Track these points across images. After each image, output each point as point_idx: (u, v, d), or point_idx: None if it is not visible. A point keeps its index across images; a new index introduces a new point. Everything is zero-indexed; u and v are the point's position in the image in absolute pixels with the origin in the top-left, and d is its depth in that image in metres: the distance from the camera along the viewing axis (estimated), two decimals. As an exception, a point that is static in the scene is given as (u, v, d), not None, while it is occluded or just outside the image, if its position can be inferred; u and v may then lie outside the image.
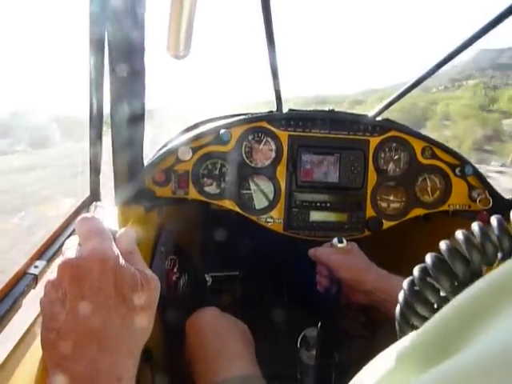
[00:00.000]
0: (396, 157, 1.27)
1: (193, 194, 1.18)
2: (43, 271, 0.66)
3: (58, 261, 0.44)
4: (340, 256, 0.98)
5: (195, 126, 1.45)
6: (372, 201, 1.26)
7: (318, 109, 1.31)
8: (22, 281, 0.62)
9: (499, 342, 0.17)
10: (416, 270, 0.35)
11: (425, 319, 0.33)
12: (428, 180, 1.28)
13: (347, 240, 1.01)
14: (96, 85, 0.89)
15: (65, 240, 0.78)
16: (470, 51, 0.97)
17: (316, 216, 1.25)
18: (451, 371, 0.18)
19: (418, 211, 1.28)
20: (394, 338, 0.37)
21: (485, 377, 0.17)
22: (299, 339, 0.88)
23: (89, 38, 0.82)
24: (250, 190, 1.23)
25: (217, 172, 1.21)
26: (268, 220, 1.23)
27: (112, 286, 0.42)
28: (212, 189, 1.21)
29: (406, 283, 0.36)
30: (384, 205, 1.28)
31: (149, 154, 1.21)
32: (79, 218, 0.47)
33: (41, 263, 0.67)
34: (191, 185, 1.18)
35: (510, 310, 0.19)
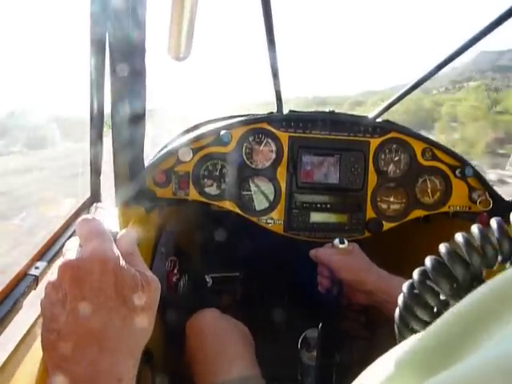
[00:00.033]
0: (396, 158, 1.27)
1: (193, 194, 1.19)
2: (44, 272, 0.66)
3: (59, 262, 0.44)
4: (341, 257, 0.98)
5: (195, 127, 1.45)
6: (372, 202, 1.26)
7: (318, 110, 1.32)
8: (23, 282, 0.62)
9: (502, 349, 0.17)
10: (415, 274, 0.35)
11: (424, 323, 0.33)
12: (428, 181, 1.28)
13: (348, 241, 1.01)
14: (97, 85, 0.89)
15: (65, 241, 0.78)
16: (470, 53, 0.97)
17: (316, 217, 1.25)
18: (454, 379, 0.18)
19: (418, 213, 1.28)
20: (394, 339, 0.37)
21: None
22: (300, 340, 0.88)
23: (90, 38, 0.82)
24: (250, 191, 1.23)
25: (217, 173, 1.21)
26: (268, 221, 1.23)
27: (112, 287, 0.42)
28: (212, 190, 1.21)
29: (405, 286, 0.36)
30: (384, 206, 1.28)
31: (149, 154, 1.22)
32: (80, 219, 0.47)
33: (41, 264, 0.67)
34: (192, 186, 1.18)
35: None
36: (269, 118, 1.23)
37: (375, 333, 1.08)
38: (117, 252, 0.44)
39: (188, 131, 1.43)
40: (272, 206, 1.23)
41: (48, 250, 0.73)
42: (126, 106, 0.88)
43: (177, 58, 0.54)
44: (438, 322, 0.24)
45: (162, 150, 1.30)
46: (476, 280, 0.32)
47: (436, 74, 1.09)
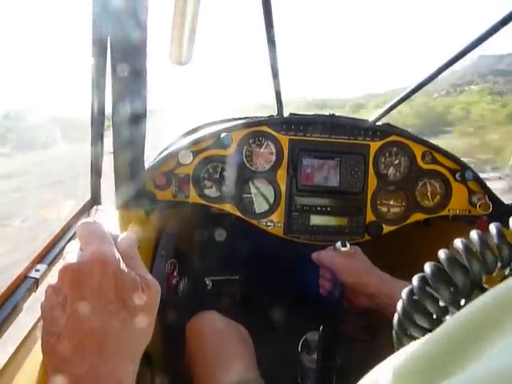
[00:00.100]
0: (396, 161, 1.28)
1: (193, 197, 1.19)
2: (44, 275, 0.66)
3: (59, 265, 0.44)
4: (343, 259, 0.98)
5: (196, 129, 1.45)
6: (372, 205, 1.26)
7: (318, 113, 1.32)
8: (23, 284, 0.62)
9: (504, 358, 0.17)
10: (415, 280, 0.35)
11: (423, 329, 0.33)
12: (428, 185, 1.29)
13: (350, 244, 1.01)
14: (98, 86, 0.89)
15: (66, 244, 0.78)
16: (469, 57, 0.98)
17: (316, 220, 1.25)
18: None
19: (418, 216, 1.28)
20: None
21: None
22: (300, 343, 0.88)
23: (91, 38, 0.82)
24: (250, 193, 1.23)
25: (217, 175, 1.21)
26: (268, 224, 1.23)
27: (113, 290, 0.42)
28: (212, 192, 1.21)
29: (404, 293, 0.36)
30: (384, 209, 1.28)
31: (149, 157, 1.22)
32: (80, 222, 0.47)
33: (42, 267, 0.67)
34: (192, 188, 1.19)
35: None
36: (269, 121, 1.23)
37: (376, 336, 1.08)
38: (117, 255, 0.44)
39: (188, 133, 1.43)
40: (272, 209, 1.23)
41: (48, 253, 0.73)
42: (127, 106, 0.88)
43: (178, 63, 0.54)
44: (439, 329, 0.24)
45: (162, 152, 1.30)
46: (476, 286, 0.31)
47: (436, 78, 1.10)
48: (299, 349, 0.87)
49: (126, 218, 0.99)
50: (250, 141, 1.22)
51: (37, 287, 0.64)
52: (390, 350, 0.35)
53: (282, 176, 1.24)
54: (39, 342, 0.43)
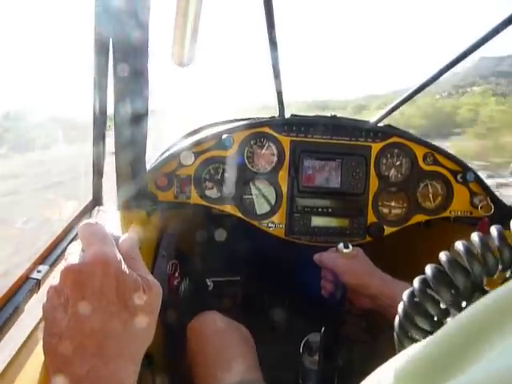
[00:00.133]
0: (398, 163, 1.28)
1: (195, 198, 1.19)
2: (46, 276, 0.66)
3: (61, 266, 0.44)
4: (345, 261, 0.98)
5: (197, 130, 1.45)
6: (373, 207, 1.26)
7: (320, 114, 1.32)
8: (25, 285, 0.62)
9: (504, 361, 0.17)
10: (416, 282, 0.35)
11: (424, 331, 0.33)
12: (430, 186, 1.28)
13: (352, 245, 1.01)
14: (100, 86, 0.89)
15: (67, 245, 0.78)
16: (470, 59, 0.98)
17: (317, 221, 1.25)
18: None
19: (419, 217, 1.28)
20: None
21: None
22: (302, 344, 0.88)
23: (94, 38, 0.82)
24: (251, 194, 1.23)
25: (219, 177, 1.21)
26: (269, 225, 1.23)
27: (114, 291, 0.42)
28: (214, 193, 1.21)
29: (405, 295, 0.36)
30: (385, 211, 1.28)
31: (151, 157, 1.22)
32: (82, 223, 0.47)
33: (43, 268, 0.67)
34: (193, 189, 1.19)
35: None
36: (271, 122, 1.23)
37: (378, 337, 1.08)
38: (119, 256, 0.44)
39: (190, 135, 1.43)
40: (273, 210, 1.23)
41: (50, 254, 0.73)
42: (129, 106, 0.88)
43: (180, 64, 0.55)
44: (440, 332, 0.24)
45: (163, 153, 1.30)
46: (477, 288, 0.31)
47: (438, 79, 1.10)
48: (301, 350, 0.87)
49: (128, 219, 0.99)
50: (252, 142, 1.23)
51: (38, 288, 0.64)
52: (392, 351, 0.35)
53: (283, 177, 1.24)
54: (41, 343, 0.43)
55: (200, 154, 1.18)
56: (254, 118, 1.32)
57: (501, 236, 0.32)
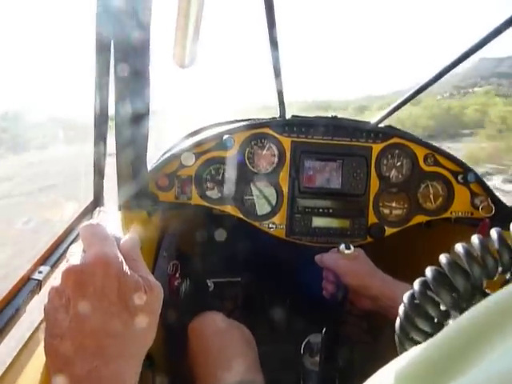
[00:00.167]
0: (398, 163, 1.28)
1: (195, 199, 1.19)
2: (47, 277, 0.66)
3: (62, 266, 0.44)
4: (347, 262, 0.98)
5: (198, 131, 1.45)
6: (374, 207, 1.26)
7: (320, 115, 1.32)
8: (26, 286, 0.62)
9: (505, 363, 0.17)
10: (416, 284, 0.35)
11: (425, 333, 0.33)
12: (430, 187, 1.28)
13: (354, 246, 1.01)
14: (101, 86, 0.89)
15: (68, 245, 0.78)
16: (470, 59, 0.98)
17: (318, 222, 1.25)
18: None
19: (420, 218, 1.28)
20: None
21: None
22: (303, 345, 0.88)
23: (95, 38, 0.82)
24: (252, 195, 1.23)
25: (220, 177, 1.21)
26: (270, 226, 1.23)
27: (115, 292, 0.42)
28: (214, 194, 1.21)
29: (406, 297, 0.36)
30: (386, 211, 1.28)
31: (152, 158, 1.22)
32: (83, 224, 0.47)
33: (45, 268, 0.67)
34: (194, 190, 1.19)
35: None
36: (271, 123, 1.24)
37: (379, 339, 1.08)
38: (120, 257, 0.44)
39: (191, 135, 1.43)
40: (274, 211, 1.23)
41: (51, 255, 0.73)
42: (130, 106, 0.88)
43: (182, 66, 0.55)
44: (440, 334, 0.24)
45: (164, 153, 1.31)
46: (477, 291, 0.32)
47: (439, 80, 1.10)
48: (302, 351, 0.87)
49: (129, 219, 0.99)
50: (253, 143, 1.23)
51: (40, 289, 0.64)
52: (393, 352, 0.35)
53: (284, 178, 1.24)
54: (42, 343, 0.43)
55: (201, 154, 1.19)
56: (254, 119, 1.32)
57: (500, 238, 0.32)
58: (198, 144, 1.19)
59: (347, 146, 1.25)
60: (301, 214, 1.24)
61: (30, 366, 0.48)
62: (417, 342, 0.33)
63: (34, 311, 0.58)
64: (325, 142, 1.24)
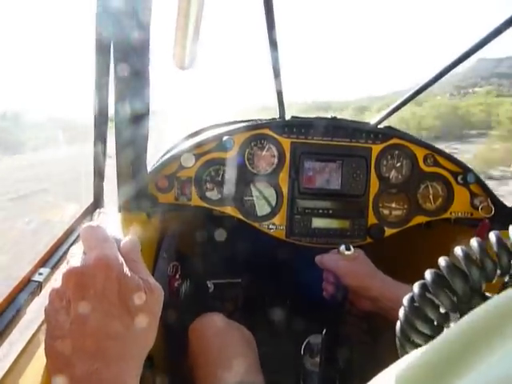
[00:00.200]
0: (398, 164, 1.28)
1: (195, 200, 1.19)
2: (47, 278, 0.66)
3: (62, 268, 0.44)
4: (347, 263, 0.98)
5: (198, 132, 1.46)
6: (374, 208, 1.26)
7: (320, 116, 1.32)
8: (27, 288, 0.62)
9: (504, 367, 0.17)
10: (416, 287, 0.35)
11: (425, 336, 0.33)
12: (430, 187, 1.28)
13: (354, 247, 1.01)
14: (101, 86, 0.89)
15: (69, 247, 0.79)
16: (469, 60, 0.99)
17: (318, 223, 1.25)
18: None
19: (419, 219, 1.28)
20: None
21: None
22: (303, 346, 0.88)
23: (94, 39, 0.82)
24: (252, 196, 1.23)
25: (219, 178, 1.21)
26: (270, 227, 1.23)
27: (116, 294, 0.42)
28: (214, 195, 1.21)
29: (405, 300, 0.36)
30: (386, 212, 1.28)
31: (152, 159, 1.22)
32: (84, 226, 0.47)
33: (45, 270, 0.67)
34: (194, 191, 1.19)
35: None
36: (271, 124, 1.24)
37: (379, 340, 1.08)
38: (120, 259, 0.44)
39: (190, 136, 1.44)
40: (274, 212, 1.23)
41: (51, 256, 0.73)
42: (130, 106, 0.88)
43: (182, 67, 0.55)
44: (440, 337, 0.24)
45: (164, 155, 1.31)
46: (476, 293, 0.32)
47: (439, 80, 1.10)
48: (302, 352, 0.88)
49: (128, 221, 0.99)
50: (252, 144, 1.23)
51: (40, 291, 0.64)
52: (393, 353, 0.35)
53: (283, 179, 1.24)
54: (43, 345, 0.43)
55: (201, 155, 1.19)
56: (254, 120, 1.32)
57: (499, 241, 0.32)
58: (198, 145, 1.19)
59: (347, 146, 1.25)
60: (301, 214, 1.24)
61: (31, 368, 0.48)
62: (417, 345, 0.33)
63: (35, 313, 0.58)
64: (324, 143, 1.24)
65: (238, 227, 1.25)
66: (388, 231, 1.26)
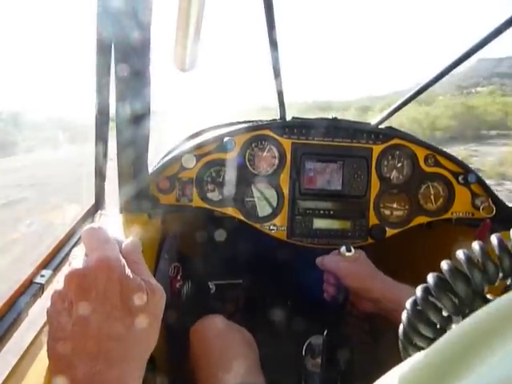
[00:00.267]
0: (399, 164, 1.28)
1: (196, 201, 1.19)
2: (49, 280, 0.66)
3: (64, 270, 0.44)
4: (348, 264, 0.98)
5: (199, 133, 1.45)
6: (375, 208, 1.26)
7: (321, 116, 1.32)
8: (29, 290, 0.62)
9: (505, 368, 0.18)
10: (418, 290, 0.36)
11: (427, 339, 0.33)
12: (431, 188, 1.28)
13: (354, 248, 1.01)
14: (102, 87, 0.89)
15: (70, 249, 0.79)
16: (469, 60, 0.99)
17: (319, 223, 1.25)
18: None
19: (421, 219, 1.28)
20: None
21: None
22: (304, 347, 0.88)
23: (95, 39, 0.82)
24: (253, 197, 1.23)
25: (220, 179, 1.21)
26: (271, 228, 1.23)
27: (118, 295, 0.42)
28: (215, 196, 1.21)
29: (408, 303, 0.36)
30: (387, 212, 1.28)
31: (153, 161, 1.22)
32: (85, 228, 0.47)
33: (47, 272, 0.67)
34: (195, 192, 1.19)
35: None
36: (272, 125, 1.24)
37: (380, 341, 1.08)
38: (122, 261, 0.44)
39: (191, 137, 1.44)
40: (275, 213, 1.23)
41: (53, 258, 0.73)
42: (131, 106, 0.88)
43: (182, 69, 0.55)
44: (443, 339, 0.24)
45: (165, 156, 1.31)
46: (478, 296, 0.32)
47: (440, 80, 1.10)
48: (303, 353, 0.87)
49: (130, 222, 0.99)
50: (253, 144, 1.23)
51: (42, 292, 0.64)
52: (394, 354, 0.35)
53: (284, 180, 1.24)
54: (45, 347, 0.43)
55: (202, 156, 1.19)
56: (255, 121, 1.32)
57: (501, 244, 0.32)
58: (199, 146, 1.19)
59: (348, 147, 1.25)
60: (302, 215, 1.24)
61: (33, 369, 0.48)
62: (420, 348, 0.33)
63: (37, 315, 0.58)
64: (325, 144, 1.24)
65: (239, 228, 1.25)
66: (389, 232, 1.26)
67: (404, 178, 1.28)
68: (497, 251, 0.32)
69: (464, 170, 1.26)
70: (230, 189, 1.20)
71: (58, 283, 0.44)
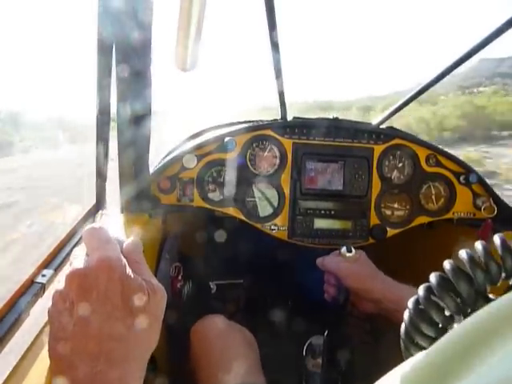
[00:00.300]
0: (400, 164, 1.27)
1: (197, 201, 1.19)
2: (50, 280, 0.66)
3: (65, 269, 0.44)
4: (348, 264, 0.98)
5: (200, 133, 1.46)
6: (376, 208, 1.26)
7: (322, 116, 1.32)
8: (30, 290, 0.62)
9: (505, 367, 0.18)
10: (421, 289, 0.36)
11: (430, 338, 0.33)
12: (432, 188, 1.28)
13: (355, 248, 1.01)
14: (103, 87, 0.89)
15: (71, 249, 0.79)
16: (470, 60, 0.98)
17: (320, 224, 1.25)
18: None
19: (422, 219, 1.27)
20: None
21: None
22: (305, 347, 0.88)
23: (96, 39, 0.82)
24: (254, 197, 1.23)
25: (221, 179, 1.21)
26: (272, 227, 1.23)
27: (119, 295, 0.42)
28: (216, 196, 1.21)
29: (410, 302, 0.36)
30: (388, 212, 1.28)
31: (153, 161, 1.22)
32: (87, 227, 0.47)
33: (48, 272, 0.67)
34: (196, 192, 1.19)
35: None
36: (273, 125, 1.24)
37: (381, 341, 1.08)
38: (123, 260, 0.44)
39: (192, 137, 1.44)
40: (276, 213, 1.23)
41: (54, 258, 0.73)
42: (132, 107, 0.88)
43: (183, 69, 0.55)
44: (444, 339, 0.24)
45: (166, 156, 1.31)
46: (480, 296, 0.32)
47: (441, 80, 1.10)
48: (304, 353, 0.87)
49: (131, 222, 0.99)
50: (254, 144, 1.23)
51: (43, 292, 0.64)
52: (395, 355, 0.35)
53: (285, 180, 1.24)
54: (46, 347, 0.43)
55: (202, 156, 1.19)
56: (256, 121, 1.32)
57: (503, 244, 0.32)
58: (200, 146, 1.19)
59: (349, 147, 1.25)
60: (303, 215, 1.24)
61: (34, 369, 0.48)
62: (422, 347, 0.33)
63: (38, 315, 0.58)
64: (326, 144, 1.24)
65: (240, 228, 1.25)
66: (390, 232, 1.26)
67: (405, 177, 1.28)
68: (499, 251, 0.32)
69: (465, 170, 1.26)
70: (230, 189, 1.20)
71: (59, 283, 0.44)
